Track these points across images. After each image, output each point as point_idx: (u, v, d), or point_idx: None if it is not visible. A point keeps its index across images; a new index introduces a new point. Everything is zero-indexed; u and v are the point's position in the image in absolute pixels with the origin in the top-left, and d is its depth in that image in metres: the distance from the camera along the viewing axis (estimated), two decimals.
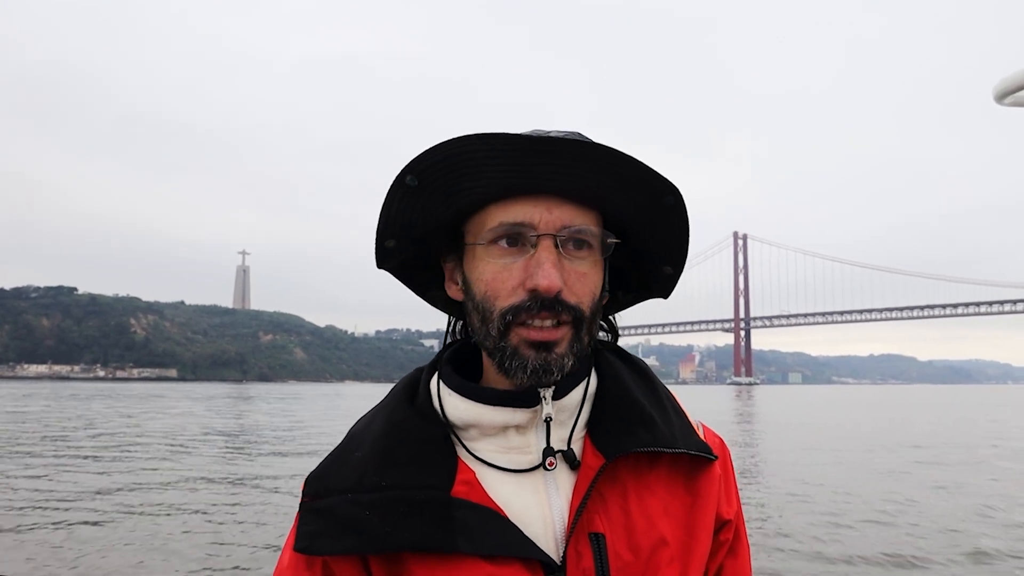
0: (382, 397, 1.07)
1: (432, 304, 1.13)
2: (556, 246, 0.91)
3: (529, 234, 0.91)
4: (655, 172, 0.91)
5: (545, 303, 0.89)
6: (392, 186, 0.95)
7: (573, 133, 0.97)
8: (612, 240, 0.95)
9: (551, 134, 0.92)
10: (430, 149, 0.90)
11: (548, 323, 0.90)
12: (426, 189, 0.94)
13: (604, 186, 0.91)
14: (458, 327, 1.09)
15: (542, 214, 0.91)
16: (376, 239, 1.00)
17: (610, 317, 1.11)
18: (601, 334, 1.08)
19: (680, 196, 0.94)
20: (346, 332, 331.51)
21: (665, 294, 1.08)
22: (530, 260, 0.90)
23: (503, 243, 0.93)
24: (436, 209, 0.96)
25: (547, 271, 0.88)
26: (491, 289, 0.93)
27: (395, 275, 1.08)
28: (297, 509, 0.97)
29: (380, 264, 1.04)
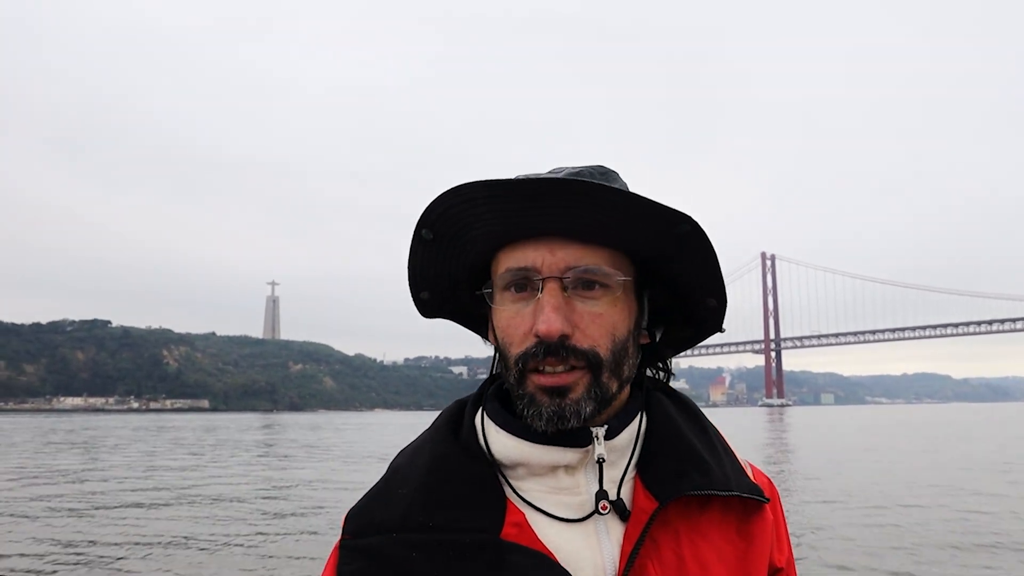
0: (420, 427, 1.04)
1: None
2: (564, 288, 0.89)
3: (534, 278, 0.90)
4: (663, 205, 0.88)
5: (550, 349, 0.87)
6: (412, 240, 0.95)
7: (594, 168, 0.96)
8: (622, 278, 0.92)
9: (564, 171, 0.94)
10: (435, 200, 0.90)
11: (559, 368, 0.88)
12: (441, 241, 0.95)
13: (610, 224, 0.89)
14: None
15: (545, 256, 0.90)
16: (411, 293, 1.01)
17: (667, 359, 1.08)
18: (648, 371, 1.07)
19: (695, 224, 0.89)
20: (375, 360, 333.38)
21: (718, 325, 1.04)
22: (537, 305, 0.89)
23: (512, 289, 0.92)
24: (454, 261, 0.97)
25: (547, 316, 0.87)
26: (506, 336, 0.92)
27: (453, 320, 1.09)
28: (335, 545, 0.93)
29: (424, 315, 1.06)
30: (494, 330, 0.96)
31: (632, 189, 0.94)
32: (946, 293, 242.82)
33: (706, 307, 1.01)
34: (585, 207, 0.86)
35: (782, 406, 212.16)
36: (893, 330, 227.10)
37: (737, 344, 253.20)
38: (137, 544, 10.63)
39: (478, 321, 1.09)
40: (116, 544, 10.66)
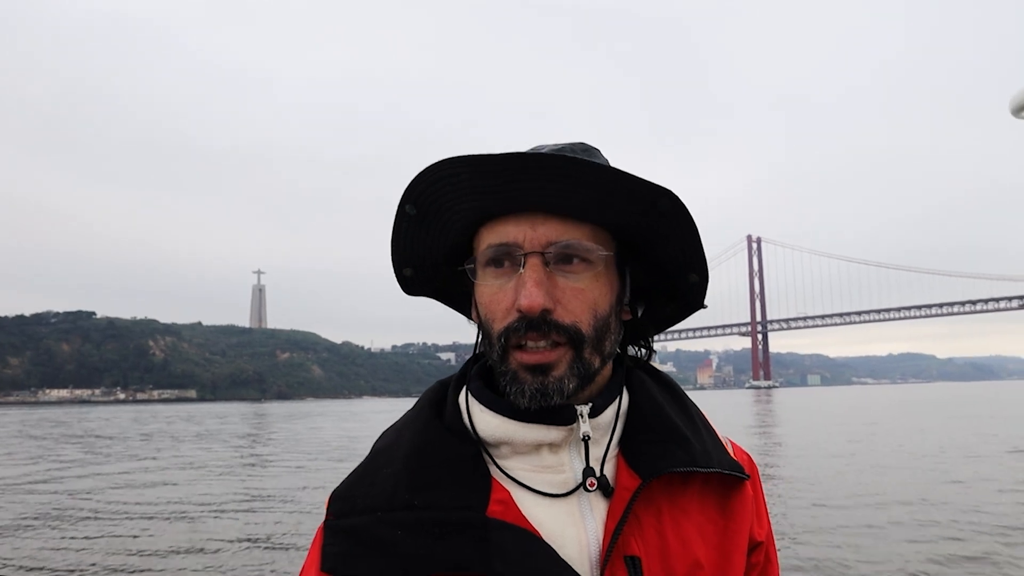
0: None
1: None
2: (546, 264, 0.89)
3: (516, 253, 0.90)
4: (643, 180, 0.88)
5: (532, 323, 0.88)
6: (396, 216, 0.95)
7: (575, 145, 0.96)
8: (603, 253, 0.92)
9: (546, 148, 0.94)
10: (419, 175, 0.90)
11: (541, 344, 0.89)
12: (425, 216, 0.94)
13: (591, 199, 0.89)
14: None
15: (526, 232, 0.90)
16: (394, 270, 1.01)
17: (650, 336, 1.10)
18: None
19: (676, 199, 0.90)
20: (362, 348, 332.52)
21: (700, 302, 1.04)
22: (518, 280, 0.89)
23: (494, 265, 0.92)
24: (438, 236, 0.97)
25: (529, 290, 0.87)
26: (489, 312, 0.93)
27: (435, 298, 1.08)
28: (319, 527, 0.93)
29: (408, 292, 1.05)
30: (477, 307, 0.97)
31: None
32: (930, 274, 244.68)
33: (688, 283, 1.01)
34: (567, 182, 0.86)
35: (769, 388, 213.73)
36: (878, 311, 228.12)
37: (724, 327, 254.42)
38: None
39: (461, 299, 1.09)
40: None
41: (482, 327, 0.95)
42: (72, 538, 10.57)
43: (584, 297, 0.91)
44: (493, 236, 0.92)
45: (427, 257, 1.00)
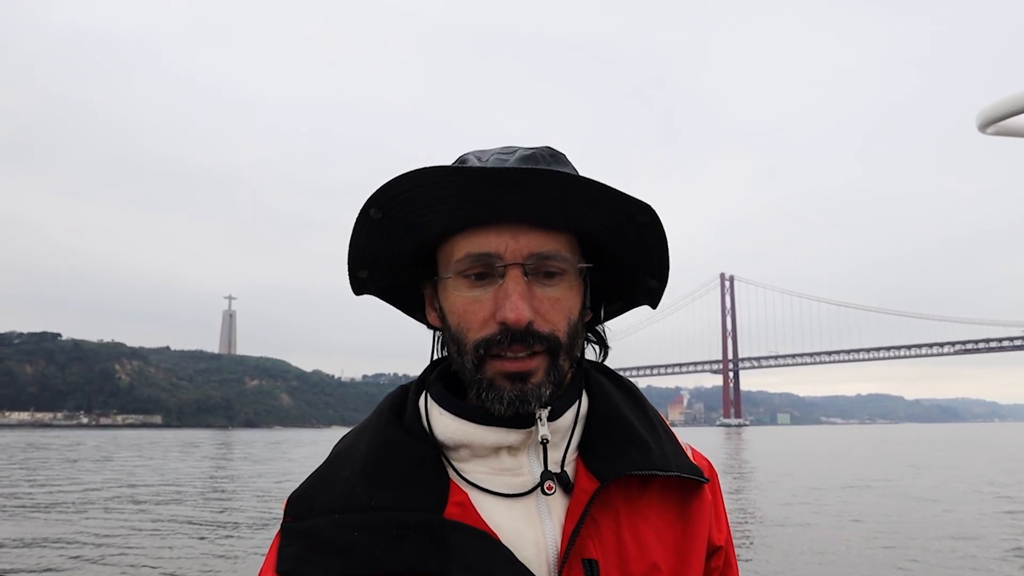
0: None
1: (420, 322, 1.10)
2: (525, 274, 0.89)
3: (496, 264, 0.90)
4: (623, 193, 0.89)
5: (516, 336, 0.87)
6: (358, 218, 0.93)
7: (543, 149, 0.96)
8: (584, 265, 0.94)
9: (518, 152, 0.94)
10: (391, 181, 0.89)
11: (522, 354, 0.88)
12: (390, 221, 0.93)
13: (571, 210, 0.90)
14: (444, 348, 1.04)
15: (507, 243, 0.90)
16: (348, 270, 1.00)
17: (598, 329, 1.09)
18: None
19: (654, 213, 0.92)
20: (333, 377, 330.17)
21: (653, 304, 1.06)
22: (499, 291, 0.89)
23: (472, 275, 0.91)
24: (402, 241, 0.96)
25: (514, 303, 0.87)
26: (463, 321, 0.91)
27: (380, 297, 1.07)
28: (277, 530, 0.92)
29: (357, 293, 1.04)
30: (442, 313, 0.96)
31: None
32: (899, 316, 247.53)
33: (645, 287, 1.03)
34: (552, 196, 0.87)
35: (739, 426, 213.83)
36: (848, 351, 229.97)
37: (695, 363, 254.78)
38: None
39: (409, 302, 1.09)
40: None
41: (450, 335, 0.94)
42: None
43: (560, 307, 0.91)
44: (471, 246, 0.91)
45: (385, 261, 1.00)
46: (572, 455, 0.95)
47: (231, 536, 13.20)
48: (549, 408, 0.93)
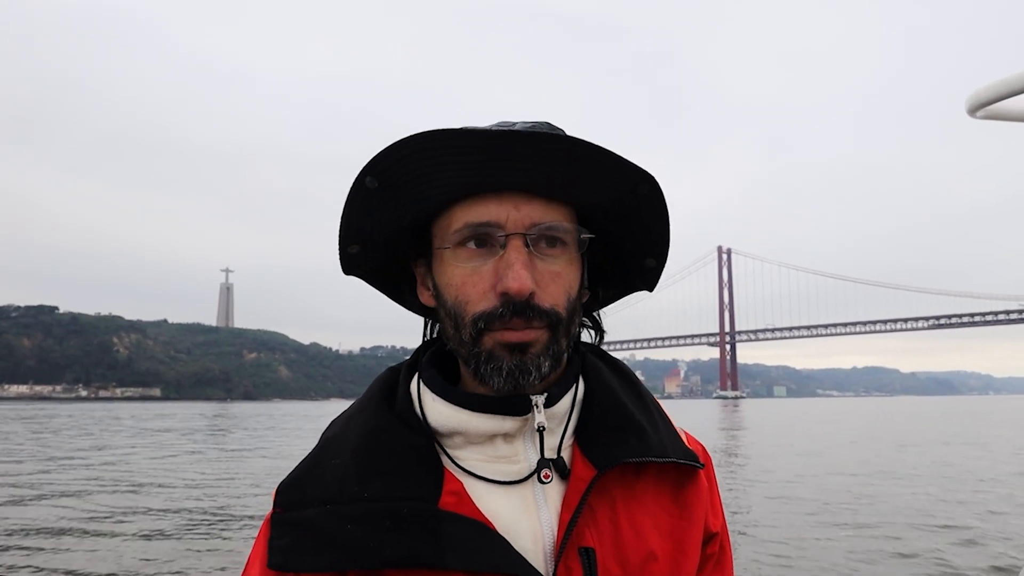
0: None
1: (409, 309, 1.07)
2: (527, 245, 0.86)
3: (497, 234, 0.87)
4: (627, 161, 0.86)
5: (517, 308, 0.85)
6: (352, 188, 0.89)
7: (541, 124, 0.92)
8: (587, 235, 0.91)
9: (516, 126, 0.89)
10: (389, 147, 0.85)
11: (522, 328, 0.86)
12: (387, 191, 0.89)
13: (575, 179, 0.87)
14: (435, 330, 1.03)
15: (509, 212, 0.87)
16: (339, 245, 0.95)
17: (594, 314, 1.07)
18: (586, 333, 1.05)
19: (656, 184, 0.90)
20: (330, 349, 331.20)
21: (650, 287, 1.03)
22: (499, 261, 0.86)
23: (471, 245, 0.88)
24: (398, 211, 0.92)
25: (517, 272, 0.84)
26: (461, 294, 0.88)
27: (366, 281, 1.03)
28: (265, 519, 0.89)
29: (347, 271, 0.99)
30: (437, 290, 0.93)
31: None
32: (896, 289, 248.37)
33: (644, 266, 1.01)
34: (559, 162, 0.84)
35: (736, 398, 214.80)
36: (845, 324, 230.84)
37: (692, 336, 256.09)
38: None
39: (395, 283, 1.05)
40: None
41: (446, 310, 0.91)
42: None
43: (561, 281, 0.89)
44: (470, 215, 0.87)
45: (379, 234, 0.94)
46: (568, 441, 0.93)
47: (219, 529, 13.14)
48: (546, 394, 0.91)
